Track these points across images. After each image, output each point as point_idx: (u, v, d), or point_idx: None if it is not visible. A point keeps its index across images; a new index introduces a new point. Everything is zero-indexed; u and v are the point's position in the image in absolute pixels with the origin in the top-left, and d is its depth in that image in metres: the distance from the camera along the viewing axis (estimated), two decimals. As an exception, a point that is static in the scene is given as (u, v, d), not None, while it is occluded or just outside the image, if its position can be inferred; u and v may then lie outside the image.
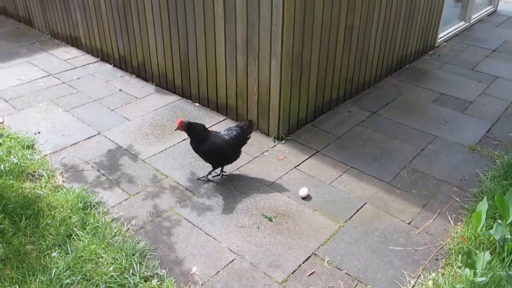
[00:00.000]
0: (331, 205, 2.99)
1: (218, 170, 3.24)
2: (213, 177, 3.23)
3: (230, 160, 3.17)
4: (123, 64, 4.92)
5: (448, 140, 3.74)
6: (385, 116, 4.11)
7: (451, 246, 2.63)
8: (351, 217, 2.89)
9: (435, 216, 2.90)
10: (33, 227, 2.71)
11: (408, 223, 2.84)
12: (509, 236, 2.38)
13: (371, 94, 4.52)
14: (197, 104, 4.26)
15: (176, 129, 2.96)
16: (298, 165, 3.39)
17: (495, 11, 7.29)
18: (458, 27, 6.32)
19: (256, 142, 3.66)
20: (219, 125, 3.87)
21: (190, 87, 4.25)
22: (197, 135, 3.01)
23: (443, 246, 2.66)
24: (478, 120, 4.06)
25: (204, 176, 3.21)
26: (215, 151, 3.03)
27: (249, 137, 3.17)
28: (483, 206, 2.55)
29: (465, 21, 6.49)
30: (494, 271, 2.28)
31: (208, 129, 3.11)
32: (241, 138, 3.10)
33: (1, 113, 4.07)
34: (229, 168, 3.31)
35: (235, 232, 2.76)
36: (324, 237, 2.73)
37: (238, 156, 3.17)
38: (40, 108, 4.17)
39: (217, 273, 2.48)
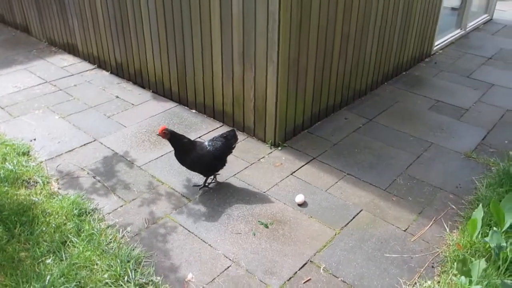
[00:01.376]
0: (327, 212, 2.99)
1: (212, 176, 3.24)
2: (208, 183, 3.23)
3: (216, 170, 3.18)
4: (120, 71, 4.93)
5: (444, 147, 3.74)
6: (381, 123, 4.12)
7: (447, 253, 2.62)
8: (347, 224, 2.88)
9: (431, 223, 2.90)
10: (27, 234, 2.69)
11: (404, 230, 2.84)
12: (504, 244, 2.38)
13: (367, 101, 4.54)
14: (194, 110, 4.26)
15: (158, 134, 2.95)
16: (294, 172, 3.39)
17: (491, 19, 7.35)
18: (454, 35, 6.37)
19: (253, 149, 3.66)
20: (216, 131, 3.87)
21: (186, 94, 4.26)
22: (182, 147, 3.00)
23: (439, 253, 2.65)
24: (474, 127, 4.07)
25: (201, 185, 3.20)
26: (200, 163, 3.04)
27: (234, 147, 3.16)
28: (478, 214, 2.55)
29: (461, 29, 6.54)
30: (490, 279, 2.27)
31: (193, 140, 3.11)
32: (226, 148, 3.09)
33: (-3, 119, 4.07)
34: (225, 175, 3.31)
35: (231, 238, 2.75)
36: (320, 244, 2.72)
37: (224, 165, 3.16)
38: (36, 115, 4.16)
39: (212, 280, 2.46)
